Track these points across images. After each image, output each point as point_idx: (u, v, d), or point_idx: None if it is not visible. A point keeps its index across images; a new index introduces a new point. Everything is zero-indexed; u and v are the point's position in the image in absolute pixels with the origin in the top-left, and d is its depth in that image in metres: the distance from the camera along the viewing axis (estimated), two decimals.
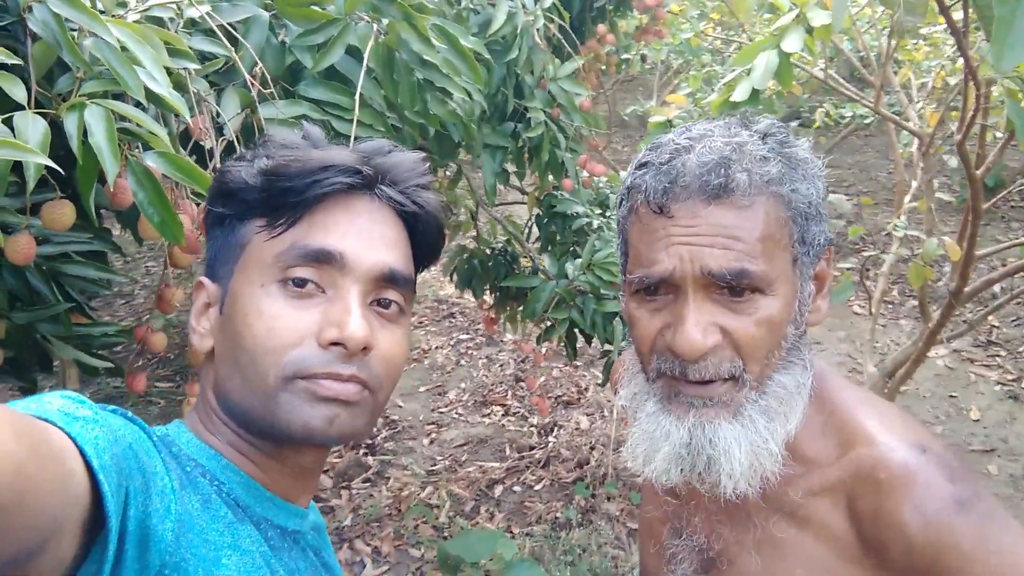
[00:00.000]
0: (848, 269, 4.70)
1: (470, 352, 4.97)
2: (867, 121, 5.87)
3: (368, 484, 3.72)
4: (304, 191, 0.72)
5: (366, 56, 1.37)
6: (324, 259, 0.72)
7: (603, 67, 3.05)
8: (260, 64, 1.34)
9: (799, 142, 0.85)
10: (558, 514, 3.42)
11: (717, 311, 0.79)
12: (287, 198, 0.72)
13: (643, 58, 4.65)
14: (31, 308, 1.10)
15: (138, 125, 0.95)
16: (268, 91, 1.29)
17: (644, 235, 0.83)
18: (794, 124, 7.05)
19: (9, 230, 1.01)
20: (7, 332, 1.10)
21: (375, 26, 1.41)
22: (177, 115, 1.03)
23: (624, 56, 5.17)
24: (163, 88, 0.95)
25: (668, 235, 0.79)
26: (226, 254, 0.76)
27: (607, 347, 2.68)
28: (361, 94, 1.46)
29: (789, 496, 0.84)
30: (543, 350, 3.12)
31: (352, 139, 1.37)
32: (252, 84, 1.24)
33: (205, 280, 0.78)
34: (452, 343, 5.11)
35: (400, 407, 4.38)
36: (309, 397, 0.70)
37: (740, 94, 2.71)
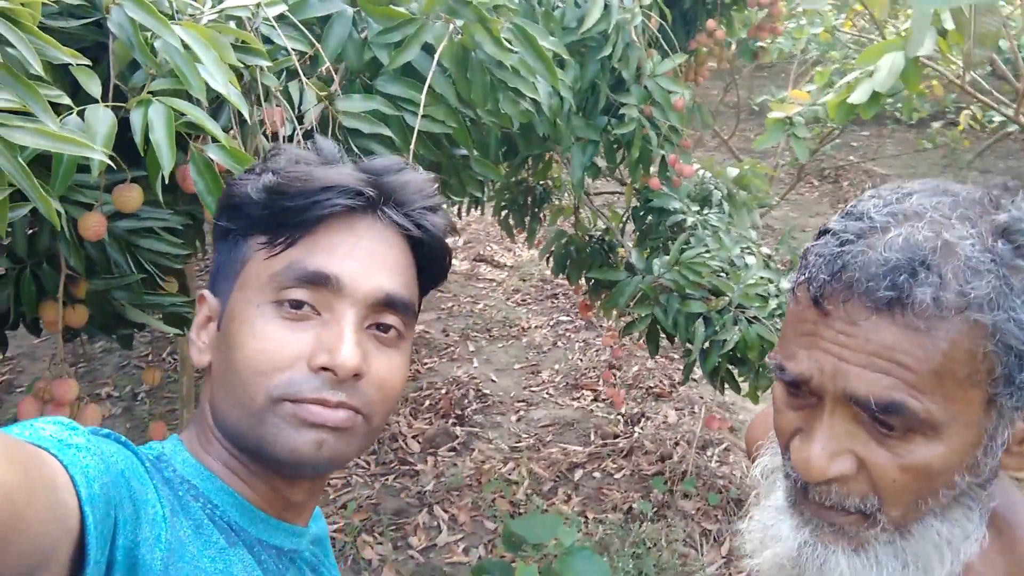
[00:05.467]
0: None
1: (568, 334, 5.00)
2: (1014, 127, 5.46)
3: (453, 453, 3.84)
4: (305, 211, 0.71)
5: (437, 54, 1.42)
6: (320, 282, 0.71)
7: (714, 64, 2.98)
8: (339, 59, 1.41)
9: None
10: (634, 505, 3.44)
11: (859, 436, 0.66)
12: (287, 217, 0.71)
13: (760, 50, 4.46)
14: (107, 276, 1.22)
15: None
16: (334, 87, 1.36)
17: (793, 321, 0.70)
18: (937, 125, 6.63)
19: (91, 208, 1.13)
20: (86, 293, 1.23)
21: (451, 26, 1.45)
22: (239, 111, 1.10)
23: (759, 44, 5.02)
24: (221, 86, 1.03)
25: (815, 334, 0.66)
26: (227, 269, 0.75)
27: (688, 347, 2.66)
28: (436, 91, 1.51)
29: None
30: (623, 344, 3.12)
31: (415, 132, 1.42)
32: (317, 79, 1.31)
33: (207, 294, 0.77)
34: (552, 323, 5.16)
35: (493, 382, 4.48)
36: (296, 422, 0.69)
37: (859, 96, 2.60)
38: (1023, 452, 0.69)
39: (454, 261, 6.15)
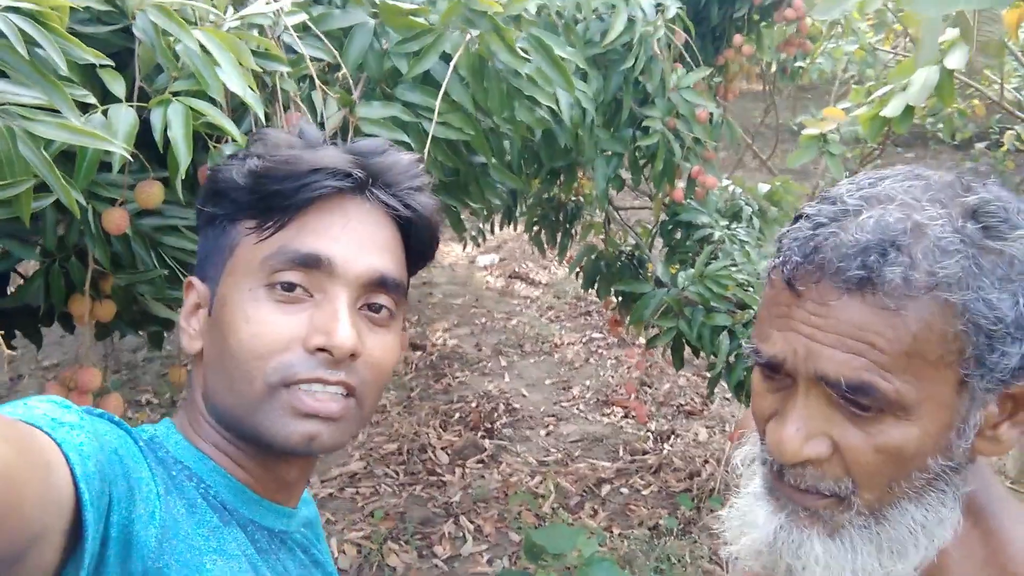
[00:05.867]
0: None
1: (600, 351, 5.00)
2: None
3: (481, 465, 3.86)
4: (293, 194, 0.71)
5: (453, 61, 1.47)
6: (312, 264, 0.71)
7: (744, 77, 3.00)
8: (360, 68, 1.46)
9: None
10: (660, 521, 3.42)
11: (833, 418, 0.66)
12: (276, 200, 0.72)
13: (798, 70, 4.44)
14: (132, 271, 1.28)
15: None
16: (355, 95, 1.41)
17: (768, 303, 0.71)
18: (981, 145, 6.51)
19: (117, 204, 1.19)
20: (112, 288, 1.29)
21: (467, 36, 1.50)
22: (257, 113, 1.15)
23: (798, 65, 5.01)
24: (238, 87, 1.08)
25: (789, 316, 0.67)
26: (216, 255, 0.75)
27: (713, 359, 2.66)
28: (453, 99, 1.56)
29: None
30: (653, 361, 3.11)
31: (429, 137, 1.47)
32: (324, 89, 1.36)
33: (195, 280, 0.77)
34: (584, 340, 5.17)
35: (524, 396, 4.50)
36: (292, 412, 0.70)
37: (892, 109, 2.56)
38: (997, 436, 0.68)
39: (489, 278, 6.14)
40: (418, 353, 4.93)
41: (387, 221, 0.78)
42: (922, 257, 0.61)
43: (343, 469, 3.79)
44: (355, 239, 0.74)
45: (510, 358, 4.94)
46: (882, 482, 0.67)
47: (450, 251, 6.66)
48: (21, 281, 1.41)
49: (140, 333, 1.59)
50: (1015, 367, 0.64)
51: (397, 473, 3.77)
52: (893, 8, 4.08)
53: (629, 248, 3.36)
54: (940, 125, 5.54)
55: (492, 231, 4.28)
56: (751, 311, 2.57)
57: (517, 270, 6.39)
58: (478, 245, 4.74)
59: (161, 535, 0.62)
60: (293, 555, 0.80)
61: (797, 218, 0.70)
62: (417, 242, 0.82)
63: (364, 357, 0.73)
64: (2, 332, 1.02)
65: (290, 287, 0.71)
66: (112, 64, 1.01)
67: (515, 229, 4.46)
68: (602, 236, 3.46)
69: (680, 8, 2.23)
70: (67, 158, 1.04)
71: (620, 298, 3.34)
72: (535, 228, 3.64)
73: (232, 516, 0.72)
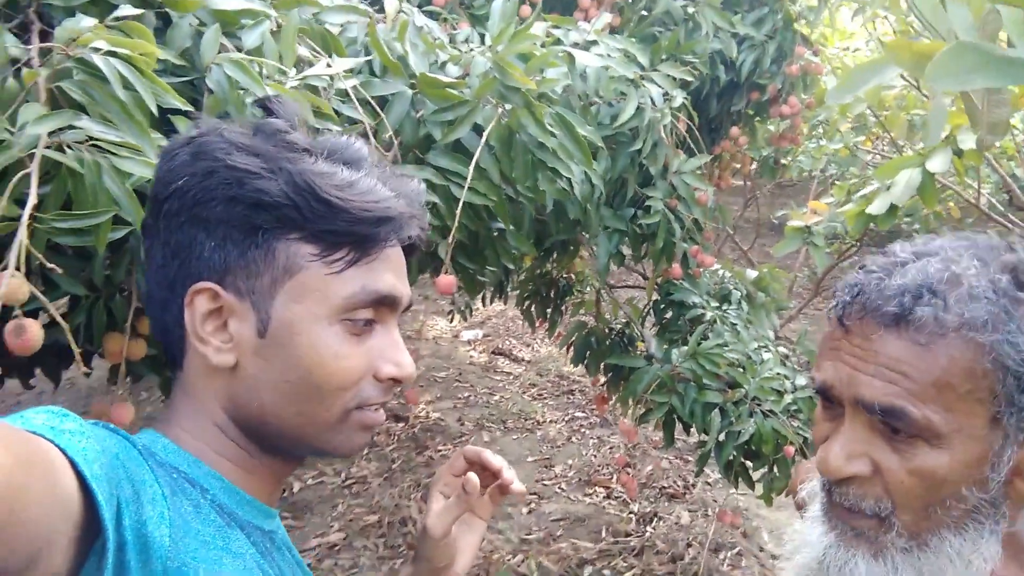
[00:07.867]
0: None
1: (583, 430, 5.02)
2: None
3: None
4: (372, 240, 0.75)
5: (486, 133, 1.56)
6: (389, 304, 0.77)
7: (737, 166, 3.14)
8: (395, 134, 1.55)
9: None
10: None
11: (875, 442, 0.75)
12: (348, 239, 0.74)
13: (779, 165, 4.64)
14: None
15: None
16: (391, 156, 1.49)
17: (825, 340, 0.82)
18: None
19: None
20: (151, 328, 1.33)
21: (500, 109, 1.60)
22: None
23: (783, 161, 5.22)
24: None
25: (838, 349, 0.78)
26: (256, 269, 0.73)
27: (704, 438, 2.70)
28: (481, 166, 1.65)
29: None
30: (631, 444, 3.13)
31: (460, 203, 1.54)
32: (378, 148, 1.44)
33: (215, 287, 0.73)
34: (567, 419, 5.18)
35: None
36: (360, 428, 0.78)
37: (877, 207, 2.69)
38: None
39: (473, 353, 6.13)
40: (400, 424, 4.91)
41: None
42: (954, 302, 0.71)
43: (322, 540, 3.73)
44: (401, 272, 0.81)
45: (492, 433, 4.94)
46: (917, 505, 0.74)
47: (434, 325, 6.70)
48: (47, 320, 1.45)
49: (159, 376, 1.62)
50: None
51: (377, 546, 3.72)
52: (874, 111, 4.31)
53: (620, 325, 3.43)
54: (916, 225, 5.75)
55: (483, 304, 4.35)
56: (742, 390, 2.63)
57: (501, 346, 6.43)
58: (465, 319, 4.81)
59: (174, 534, 0.63)
60: (282, 554, 0.82)
61: (859, 267, 0.81)
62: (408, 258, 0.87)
63: None
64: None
65: (367, 323, 0.77)
66: (192, 109, 1.08)
67: (504, 303, 4.54)
68: (593, 313, 3.54)
69: (686, 98, 2.37)
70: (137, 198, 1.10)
71: (610, 374, 3.39)
72: (526, 302, 3.72)
73: (232, 518, 0.74)
